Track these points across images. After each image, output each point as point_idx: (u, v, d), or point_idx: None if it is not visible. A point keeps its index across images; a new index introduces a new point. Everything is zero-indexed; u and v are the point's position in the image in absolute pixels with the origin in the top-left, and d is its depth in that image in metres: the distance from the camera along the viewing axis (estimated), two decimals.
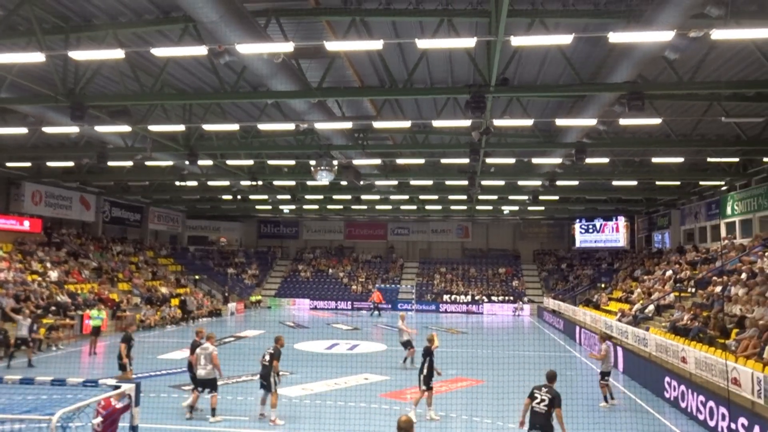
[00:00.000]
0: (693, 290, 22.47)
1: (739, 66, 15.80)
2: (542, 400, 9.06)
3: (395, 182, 30.44)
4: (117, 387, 5.93)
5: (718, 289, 19.98)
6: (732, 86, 15.96)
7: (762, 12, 12.23)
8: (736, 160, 24.32)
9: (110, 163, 25.25)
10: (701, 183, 29.10)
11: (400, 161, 27.36)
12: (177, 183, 32.10)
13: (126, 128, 19.45)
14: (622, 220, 42.79)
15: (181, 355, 20.66)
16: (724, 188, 28.29)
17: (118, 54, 13.02)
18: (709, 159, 24.43)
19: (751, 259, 21.08)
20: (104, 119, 18.53)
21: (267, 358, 12.36)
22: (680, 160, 24.56)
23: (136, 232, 42.43)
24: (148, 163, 26.56)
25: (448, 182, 30.50)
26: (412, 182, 30.93)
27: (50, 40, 14.12)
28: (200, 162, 24.02)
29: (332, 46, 12.97)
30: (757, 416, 10.61)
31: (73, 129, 19.66)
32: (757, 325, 14.37)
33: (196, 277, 41.93)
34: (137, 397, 5.80)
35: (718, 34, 11.47)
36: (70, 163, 27.77)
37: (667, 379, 15.08)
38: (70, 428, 5.73)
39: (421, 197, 35.57)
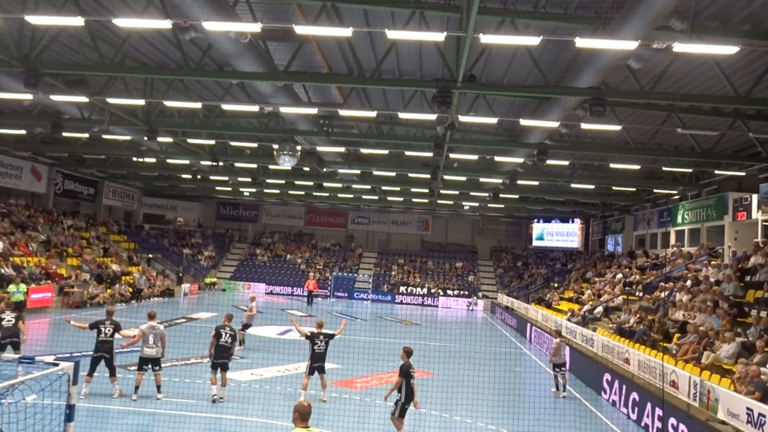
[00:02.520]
0: (641, 294, 23.17)
1: (698, 80, 16.28)
2: (322, 343, 11.55)
3: (358, 171, 30.37)
4: (55, 364, 5.75)
5: (664, 294, 20.65)
6: (690, 99, 16.42)
7: (722, 29, 12.62)
8: (690, 170, 25.12)
9: (65, 134, 24.46)
10: (655, 191, 29.98)
11: (364, 151, 27.30)
12: (135, 159, 31.28)
13: (83, 99, 18.81)
14: (577, 223, 43.77)
15: (131, 333, 20.22)
16: (676, 197, 29.20)
17: (77, 21, 12.56)
18: (664, 168, 25.17)
19: (696, 267, 21.86)
20: (60, 88, 17.84)
21: (228, 339, 12.48)
22: (637, 167, 25.24)
23: (90, 207, 41.21)
24: (105, 136, 25.79)
25: (410, 174, 30.61)
26: (375, 172, 30.91)
27: (6, 1, 13.52)
28: (160, 139, 23.44)
29: (302, 30, 12.81)
30: (690, 418, 11.03)
31: (27, 96, 18.89)
32: (698, 331, 14.93)
33: (150, 255, 41.04)
34: (75, 376, 5.64)
35: (680, 47, 11.81)
36: (22, 132, 26.75)
37: (607, 377, 15.57)
38: (3, 405, 5.53)
39: (384, 188, 35.60)
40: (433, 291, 44.06)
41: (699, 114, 18.13)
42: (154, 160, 30.93)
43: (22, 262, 26.87)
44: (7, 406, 6.05)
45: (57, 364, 5.70)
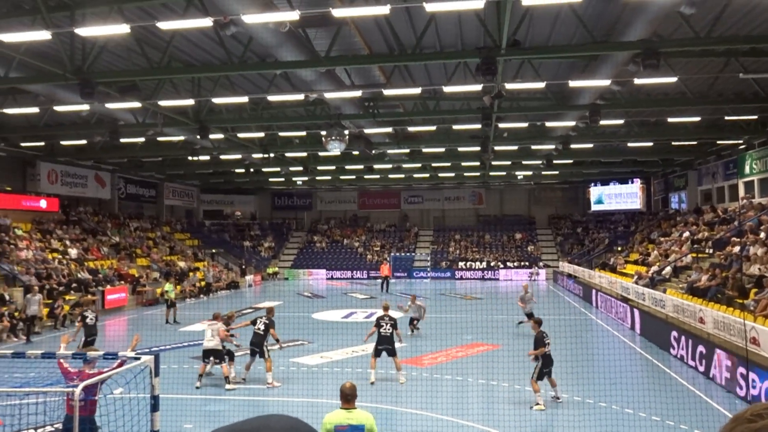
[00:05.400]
0: (711, 251, 22.28)
1: (758, 20, 15.33)
2: (388, 326, 12.59)
3: (407, 150, 30.27)
4: (137, 358, 6.04)
5: (737, 249, 19.78)
6: (750, 41, 15.49)
7: None
8: (755, 117, 23.79)
9: (123, 140, 25.37)
10: (719, 142, 28.61)
11: (411, 129, 27.14)
12: (190, 158, 32.19)
13: (136, 104, 19.46)
14: (638, 183, 42.34)
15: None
16: (742, 147, 27.79)
17: (123, 29, 12.93)
18: (726, 117, 23.95)
19: None
20: (114, 96, 18.51)
21: (261, 327, 13.02)
22: (697, 119, 24.11)
23: (152, 208, 42.80)
24: (160, 138, 26.60)
25: (460, 149, 30.27)
26: (424, 150, 30.73)
27: (55, 17, 14.00)
28: (211, 136, 24.05)
29: (339, 12, 12.75)
30: None
31: (84, 107, 19.68)
32: None
33: (213, 250, 42.33)
34: (156, 368, 5.91)
35: None
36: (83, 141, 27.92)
37: (674, 334, 15.24)
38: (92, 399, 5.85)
39: (434, 164, 35.36)
40: (492, 264, 43.68)
41: (761, 56, 17.08)
42: (208, 157, 31.76)
43: (95, 265, 28.24)
44: (97, 400, 6.40)
45: (139, 358, 5.99)
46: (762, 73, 18.04)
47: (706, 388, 12.40)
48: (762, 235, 19.20)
